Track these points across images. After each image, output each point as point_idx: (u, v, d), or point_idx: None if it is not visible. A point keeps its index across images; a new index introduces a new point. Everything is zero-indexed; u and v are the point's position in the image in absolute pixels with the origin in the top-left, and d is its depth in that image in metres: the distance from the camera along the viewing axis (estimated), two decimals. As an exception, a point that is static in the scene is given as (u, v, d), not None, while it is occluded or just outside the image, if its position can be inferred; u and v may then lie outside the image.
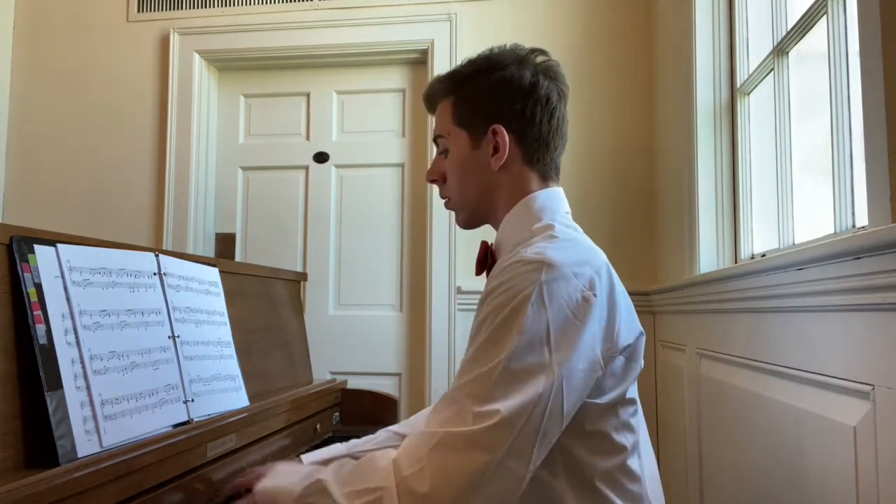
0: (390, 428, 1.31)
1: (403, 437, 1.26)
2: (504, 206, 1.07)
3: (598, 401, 0.92)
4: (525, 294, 0.87)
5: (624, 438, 0.94)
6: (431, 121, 2.87)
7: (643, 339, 1.00)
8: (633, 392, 0.97)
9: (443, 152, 1.12)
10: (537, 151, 1.06)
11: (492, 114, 1.05)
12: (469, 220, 1.14)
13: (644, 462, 0.99)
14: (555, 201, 1.06)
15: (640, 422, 0.99)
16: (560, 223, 1.02)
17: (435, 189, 2.70)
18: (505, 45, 1.10)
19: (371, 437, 1.29)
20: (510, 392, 0.83)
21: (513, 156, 1.05)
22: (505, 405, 0.82)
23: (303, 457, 1.21)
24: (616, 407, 0.94)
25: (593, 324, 0.89)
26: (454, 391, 0.87)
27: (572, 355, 0.86)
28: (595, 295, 0.90)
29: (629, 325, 0.96)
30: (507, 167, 1.05)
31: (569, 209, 1.08)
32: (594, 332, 0.89)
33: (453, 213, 1.16)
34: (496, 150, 1.05)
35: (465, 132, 1.08)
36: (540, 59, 1.08)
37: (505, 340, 0.85)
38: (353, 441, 1.28)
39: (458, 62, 1.12)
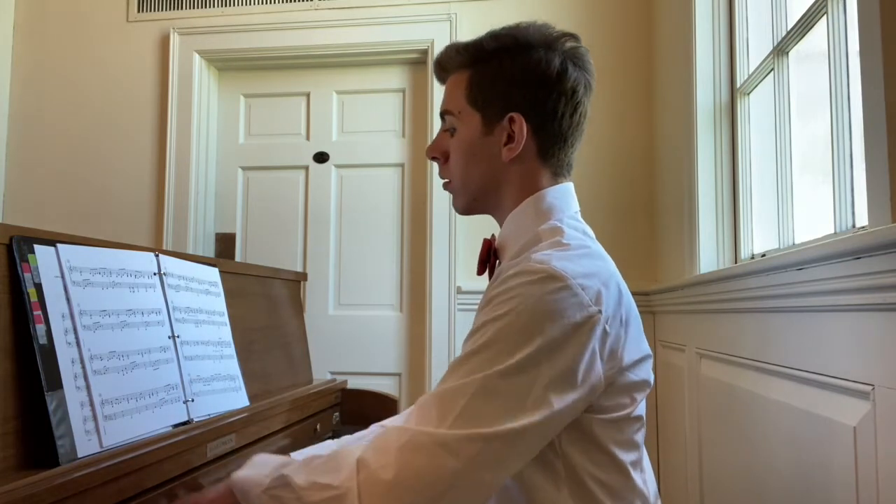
0: (383, 423, 1.27)
1: None
2: (509, 200, 1.00)
3: (603, 417, 0.89)
4: (526, 306, 0.82)
5: (628, 455, 0.92)
6: (431, 121, 2.88)
7: (650, 361, 0.95)
8: (640, 410, 0.94)
9: (449, 129, 1.03)
10: (553, 146, 0.98)
11: (511, 100, 0.96)
12: (467, 208, 1.06)
13: (647, 477, 0.97)
14: (564, 200, 0.99)
15: (643, 437, 0.97)
16: (569, 226, 0.95)
17: (436, 189, 2.72)
18: (535, 21, 1.01)
19: (362, 433, 1.24)
20: (492, 408, 0.79)
21: (527, 149, 0.97)
22: (483, 421, 0.79)
23: (293, 454, 1.20)
24: (622, 424, 0.91)
25: (595, 341, 0.84)
26: (436, 395, 0.84)
27: (565, 376, 0.82)
28: (600, 311, 0.84)
29: (636, 344, 0.91)
30: (518, 160, 0.98)
31: (578, 208, 1.02)
32: (595, 350, 0.84)
33: (452, 200, 1.08)
34: (510, 139, 0.97)
35: (478, 115, 0.99)
36: (570, 44, 1.00)
37: (497, 353, 0.81)
38: (345, 438, 1.25)
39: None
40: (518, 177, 0.99)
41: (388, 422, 1.28)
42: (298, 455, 1.20)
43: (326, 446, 1.23)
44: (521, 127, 0.96)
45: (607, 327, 0.86)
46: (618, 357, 0.87)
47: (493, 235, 1.05)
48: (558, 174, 1.01)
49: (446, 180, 1.06)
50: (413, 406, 0.89)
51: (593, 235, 1.00)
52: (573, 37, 1.01)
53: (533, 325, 0.81)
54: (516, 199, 0.99)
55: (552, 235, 0.93)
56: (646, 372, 0.93)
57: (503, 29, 1.01)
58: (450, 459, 0.77)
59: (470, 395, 0.80)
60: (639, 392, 0.92)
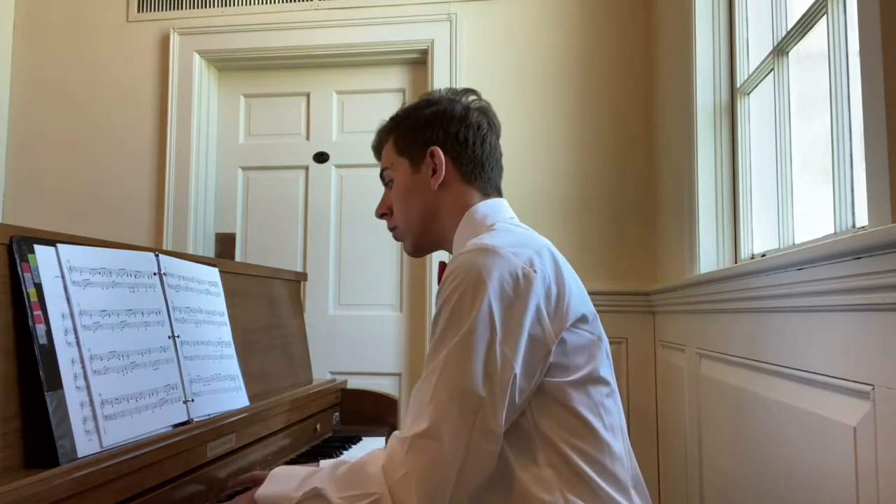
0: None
1: None
2: (450, 225, 1.14)
3: (568, 378, 0.95)
4: (467, 281, 0.92)
5: (600, 418, 0.97)
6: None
7: (598, 319, 1.04)
8: (605, 372, 1.00)
9: (388, 183, 1.21)
10: (474, 171, 1.14)
11: (429, 138, 1.14)
12: (416, 245, 1.20)
13: (627, 445, 1.02)
14: (496, 209, 1.12)
15: (615, 404, 1.02)
16: (502, 221, 1.08)
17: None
18: (440, 90, 1.23)
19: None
20: (459, 378, 0.88)
21: (451, 175, 1.13)
22: (455, 393, 0.88)
23: (321, 462, 1.24)
24: (587, 385, 0.97)
25: (537, 298, 0.93)
26: (417, 388, 0.93)
27: (516, 333, 0.91)
28: (535, 271, 0.94)
29: (581, 300, 1.00)
30: (446, 186, 1.13)
31: (513, 215, 1.14)
32: (539, 307, 0.93)
33: (403, 247, 1.24)
34: (435, 171, 1.13)
35: (406, 160, 1.17)
36: (471, 97, 1.19)
37: (454, 331, 0.91)
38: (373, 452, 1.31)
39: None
40: (450, 200, 1.14)
41: None
42: (326, 464, 1.24)
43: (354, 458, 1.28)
44: (440, 157, 1.13)
45: (551, 286, 0.95)
46: (563, 313, 0.96)
47: None
48: (487, 194, 1.16)
49: (394, 227, 1.22)
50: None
51: (530, 228, 1.11)
52: (474, 92, 1.20)
53: (475, 293, 0.91)
54: (454, 220, 1.13)
55: (486, 230, 1.06)
56: (597, 329, 1.02)
57: (417, 98, 1.23)
58: (444, 446, 0.87)
59: (439, 373, 0.90)
60: (594, 348, 0.99)
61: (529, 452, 0.93)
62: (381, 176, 1.22)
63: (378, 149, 1.25)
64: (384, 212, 1.23)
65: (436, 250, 1.21)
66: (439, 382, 0.89)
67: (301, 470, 1.00)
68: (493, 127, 1.18)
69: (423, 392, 0.91)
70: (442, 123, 1.14)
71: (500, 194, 1.17)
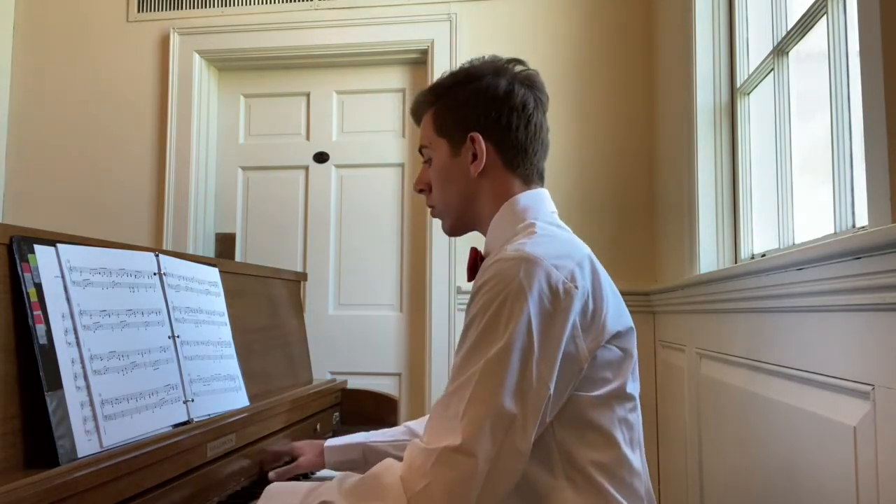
0: (408, 423, 1.36)
1: (417, 434, 1.29)
2: (488, 212, 1.08)
3: (594, 394, 0.93)
4: (507, 292, 0.88)
5: (622, 434, 0.95)
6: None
7: (634, 333, 1.00)
8: (632, 388, 0.98)
9: (427, 161, 1.15)
10: (516, 157, 1.08)
11: (469, 122, 1.07)
12: (454, 227, 1.15)
13: (643, 458, 1.00)
14: (538, 202, 1.07)
15: (638, 419, 1.00)
16: (543, 221, 1.03)
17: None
18: (484, 57, 1.13)
19: (388, 429, 1.33)
20: (494, 395, 0.85)
21: (492, 162, 1.07)
22: (489, 410, 0.84)
23: (325, 442, 1.31)
24: (612, 401, 0.94)
25: (575, 315, 0.90)
26: (446, 398, 0.89)
27: (553, 350, 0.88)
28: (577, 287, 0.90)
29: (617, 316, 0.97)
30: (487, 173, 1.07)
31: (554, 209, 1.09)
32: (576, 324, 0.90)
33: (441, 225, 1.18)
34: (475, 157, 1.07)
35: (445, 141, 1.10)
36: (518, 68, 1.11)
37: (490, 342, 0.87)
38: (372, 432, 1.33)
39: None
40: (490, 188, 1.08)
41: (414, 424, 1.38)
42: (331, 442, 1.33)
43: (354, 437, 1.34)
44: (481, 143, 1.06)
45: (588, 302, 0.92)
46: (598, 330, 0.93)
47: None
48: (529, 182, 1.09)
49: (432, 206, 1.16)
50: (434, 406, 0.95)
51: (570, 231, 1.07)
52: (520, 62, 1.12)
53: (514, 306, 0.87)
54: (493, 208, 1.08)
55: (526, 230, 1.00)
56: (629, 343, 0.99)
57: (459, 67, 1.14)
58: (472, 462, 0.83)
59: (473, 386, 0.86)
60: (624, 364, 0.97)
61: (547, 464, 0.92)
62: (420, 151, 1.16)
63: (417, 114, 1.18)
64: (423, 188, 1.17)
65: (472, 231, 1.16)
66: (473, 396, 0.85)
67: (300, 485, 0.97)
68: (540, 103, 1.10)
69: (454, 403, 0.87)
70: (483, 106, 1.06)
71: (541, 180, 1.12)
